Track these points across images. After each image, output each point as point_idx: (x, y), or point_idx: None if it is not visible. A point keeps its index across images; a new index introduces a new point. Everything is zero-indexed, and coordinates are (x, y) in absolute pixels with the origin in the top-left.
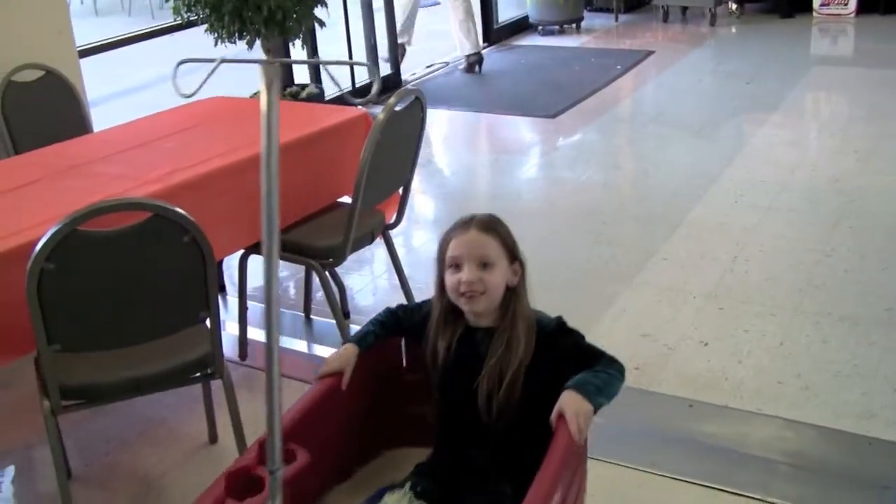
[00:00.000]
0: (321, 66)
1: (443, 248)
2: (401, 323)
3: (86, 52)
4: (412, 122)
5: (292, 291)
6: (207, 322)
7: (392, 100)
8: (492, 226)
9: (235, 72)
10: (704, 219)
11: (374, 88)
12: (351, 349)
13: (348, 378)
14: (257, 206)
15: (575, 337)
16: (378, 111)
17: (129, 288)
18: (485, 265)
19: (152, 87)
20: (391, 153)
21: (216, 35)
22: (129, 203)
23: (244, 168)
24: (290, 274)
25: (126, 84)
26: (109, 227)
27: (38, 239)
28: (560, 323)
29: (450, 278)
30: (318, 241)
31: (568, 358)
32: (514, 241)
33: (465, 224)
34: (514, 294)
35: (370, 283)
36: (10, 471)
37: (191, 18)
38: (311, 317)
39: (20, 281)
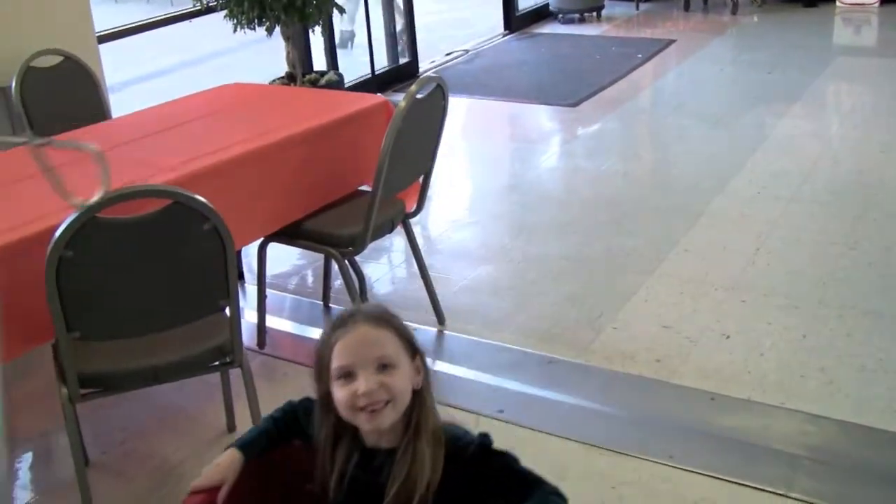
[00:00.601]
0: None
1: (324, 355)
2: (298, 423)
3: (105, 38)
4: (434, 109)
5: (310, 279)
6: (227, 310)
7: (413, 87)
8: (384, 317)
9: (251, 58)
10: (726, 210)
11: (96, 197)
12: (232, 456)
13: (226, 493)
14: (277, 195)
15: (505, 459)
16: (400, 98)
17: (149, 276)
18: (384, 367)
19: (171, 73)
20: (412, 141)
21: (235, 21)
22: (149, 190)
23: (264, 155)
24: (307, 262)
25: (145, 70)
26: (129, 214)
27: (58, 226)
28: (484, 442)
29: (341, 392)
30: (338, 230)
31: (494, 486)
32: (411, 332)
33: (350, 320)
34: (417, 399)
35: (388, 272)
36: (28, 457)
37: (210, 4)
38: (330, 305)
39: (40, 268)
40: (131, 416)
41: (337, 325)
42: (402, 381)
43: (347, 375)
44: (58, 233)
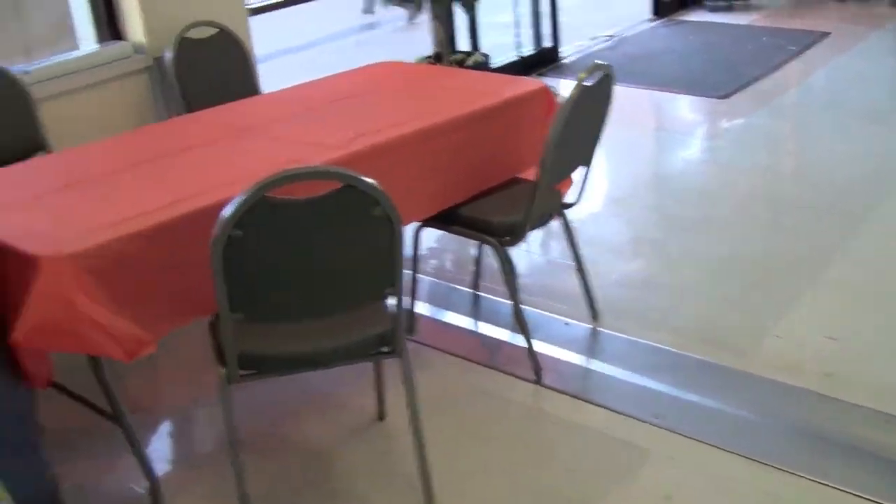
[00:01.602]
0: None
1: None
2: None
3: (255, 11)
4: (600, 98)
5: (449, 265)
6: (390, 299)
7: (583, 74)
8: None
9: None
10: (894, 216)
11: None
12: None
13: None
14: (438, 177)
15: None
16: (559, 85)
17: (315, 260)
18: None
19: (315, 46)
20: (577, 130)
21: None
22: (322, 172)
23: (427, 137)
24: (444, 247)
25: (288, 43)
26: (289, 194)
27: (222, 202)
28: None
29: None
30: (496, 218)
31: None
32: None
33: None
34: None
35: (529, 262)
36: (167, 429)
37: None
38: (479, 293)
39: (195, 245)
40: (280, 395)
41: None
42: None
43: None
44: (228, 211)
